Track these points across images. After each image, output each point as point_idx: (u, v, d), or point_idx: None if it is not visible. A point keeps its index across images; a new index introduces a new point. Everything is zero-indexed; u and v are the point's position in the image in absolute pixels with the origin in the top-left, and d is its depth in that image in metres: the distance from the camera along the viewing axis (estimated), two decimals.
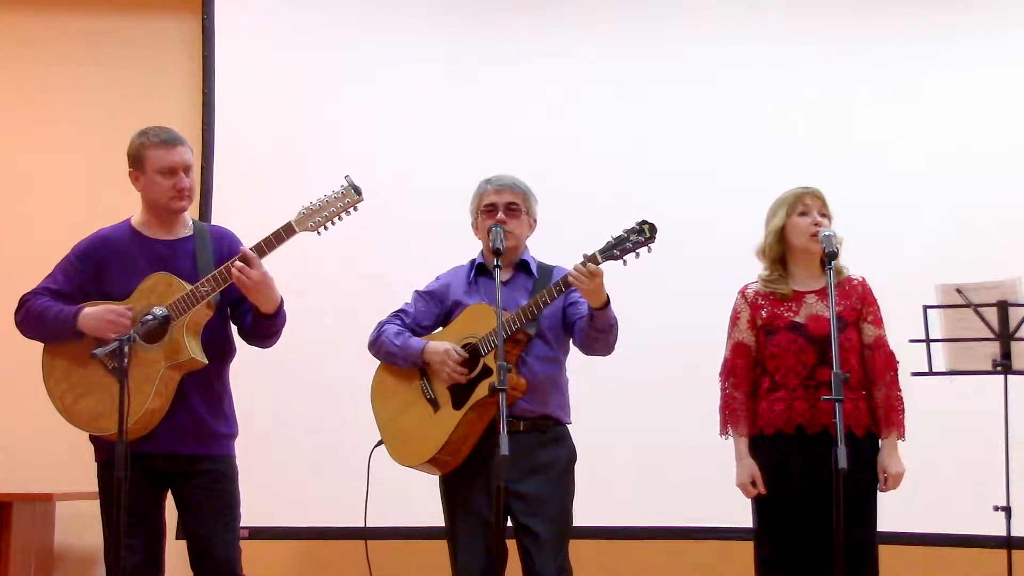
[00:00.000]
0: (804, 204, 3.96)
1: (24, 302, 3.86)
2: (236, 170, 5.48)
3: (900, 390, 3.92)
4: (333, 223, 3.77)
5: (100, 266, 3.85)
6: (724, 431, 3.96)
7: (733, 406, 3.95)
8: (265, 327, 3.83)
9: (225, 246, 3.86)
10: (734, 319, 4.03)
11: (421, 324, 4.05)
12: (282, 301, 3.81)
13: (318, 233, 3.77)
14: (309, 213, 3.74)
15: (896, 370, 3.94)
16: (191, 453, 3.77)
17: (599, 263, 3.69)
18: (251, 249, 3.73)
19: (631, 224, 3.70)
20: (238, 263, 3.68)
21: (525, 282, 4.00)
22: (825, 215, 3.95)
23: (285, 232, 3.74)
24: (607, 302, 3.75)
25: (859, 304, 3.96)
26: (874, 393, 3.92)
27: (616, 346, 3.91)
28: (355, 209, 3.77)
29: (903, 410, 3.90)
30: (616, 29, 5.52)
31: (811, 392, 3.82)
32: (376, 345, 4.04)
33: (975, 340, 4.15)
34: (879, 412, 3.90)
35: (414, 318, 4.06)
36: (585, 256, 3.69)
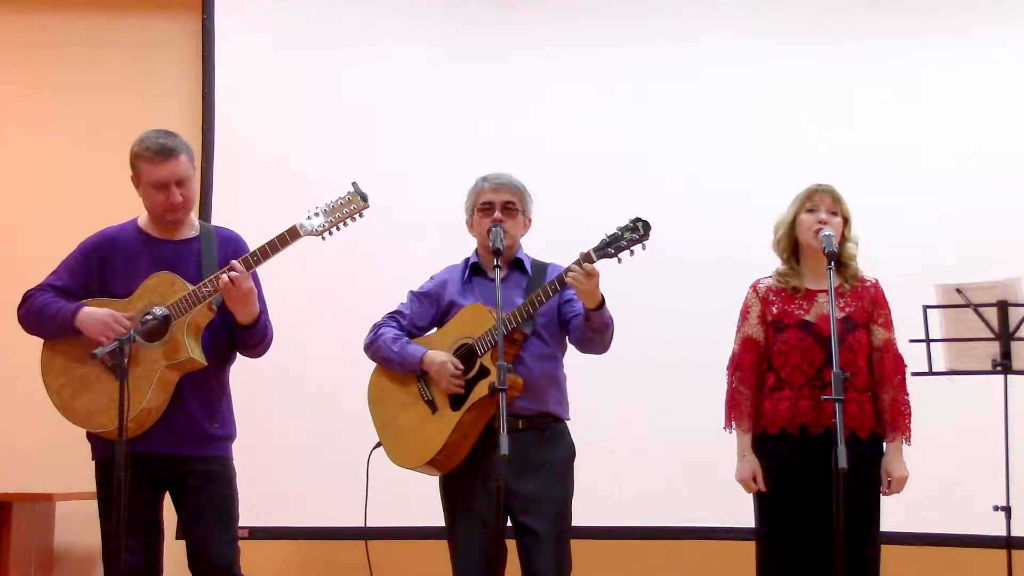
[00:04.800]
0: (812, 201, 3.96)
1: (27, 297, 3.86)
2: (236, 170, 5.48)
3: (908, 394, 3.91)
4: (338, 228, 3.77)
5: (104, 264, 3.85)
6: (728, 425, 3.96)
7: (738, 400, 3.95)
8: (243, 337, 3.83)
9: (231, 248, 3.86)
10: (744, 313, 4.03)
11: (417, 325, 4.05)
12: (260, 314, 3.80)
13: (322, 238, 3.77)
14: (315, 217, 3.74)
15: (904, 374, 3.93)
16: (186, 454, 3.77)
17: (594, 261, 3.69)
18: (256, 252, 3.73)
19: (625, 222, 3.70)
20: (232, 273, 3.67)
21: (520, 280, 4.00)
22: (836, 213, 3.94)
23: (290, 235, 3.74)
24: (602, 302, 3.76)
25: (871, 306, 3.96)
26: (881, 396, 3.91)
27: (612, 344, 3.92)
28: (361, 215, 3.78)
29: (910, 415, 3.89)
30: (615, 28, 5.52)
31: (816, 392, 3.81)
32: (372, 348, 4.03)
33: (975, 340, 4.16)
34: (885, 416, 3.89)
35: (410, 319, 4.05)
36: (581, 255, 3.69)
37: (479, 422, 3.82)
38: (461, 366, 3.84)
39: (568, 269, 3.70)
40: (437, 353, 3.89)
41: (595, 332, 3.84)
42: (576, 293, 3.78)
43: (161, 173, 3.77)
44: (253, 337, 3.83)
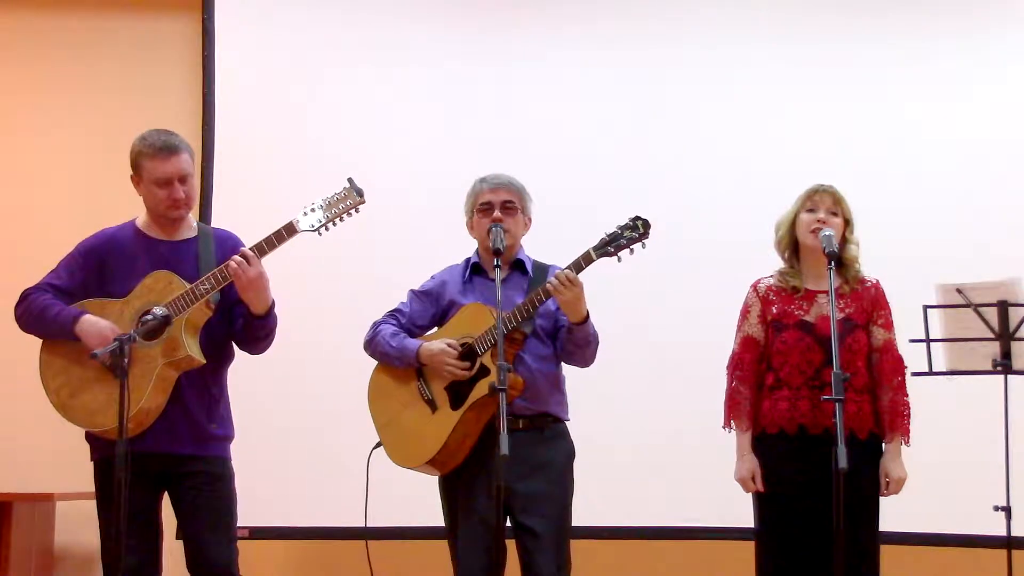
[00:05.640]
0: (812, 201, 3.96)
1: (26, 296, 3.86)
2: (236, 170, 5.48)
3: (907, 395, 3.91)
4: (335, 224, 3.78)
5: (103, 265, 3.85)
6: (727, 424, 3.96)
7: (737, 400, 3.95)
8: (255, 328, 3.83)
9: (228, 248, 3.85)
10: (744, 313, 4.03)
11: (417, 324, 4.05)
12: (273, 304, 3.81)
13: (319, 234, 3.78)
14: (311, 213, 3.75)
15: (904, 375, 3.93)
16: (185, 453, 3.77)
17: (594, 260, 3.71)
18: (252, 248, 3.74)
19: (625, 220, 3.71)
20: (237, 258, 3.69)
21: (520, 281, 4.00)
22: (836, 214, 3.94)
23: (286, 231, 3.75)
24: (586, 317, 3.77)
25: (871, 307, 3.96)
26: (880, 396, 3.90)
27: (595, 358, 3.93)
28: (357, 211, 3.78)
29: (909, 416, 3.88)
30: (618, 28, 5.53)
31: (815, 392, 3.81)
32: (372, 345, 4.03)
33: (975, 340, 4.16)
34: (884, 416, 3.88)
35: (410, 318, 4.05)
36: (581, 255, 3.71)
37: (479, 421, 3.82)
38: (459, 348, 3.84)
39: (554, 277, 3.71)
40: (433, 343, 3.89)
41: (576, 347, 3.86)
42: (560, 305, 3.78)
43: (165, 169, 3.78)
44: (264, 328, 3.83)
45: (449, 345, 3.86)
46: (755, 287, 4.05)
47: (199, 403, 3.80)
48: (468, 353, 3.85)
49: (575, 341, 3.85)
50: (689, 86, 5.47)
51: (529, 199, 4.05)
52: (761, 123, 5.40)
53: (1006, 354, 4.14)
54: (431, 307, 4.07)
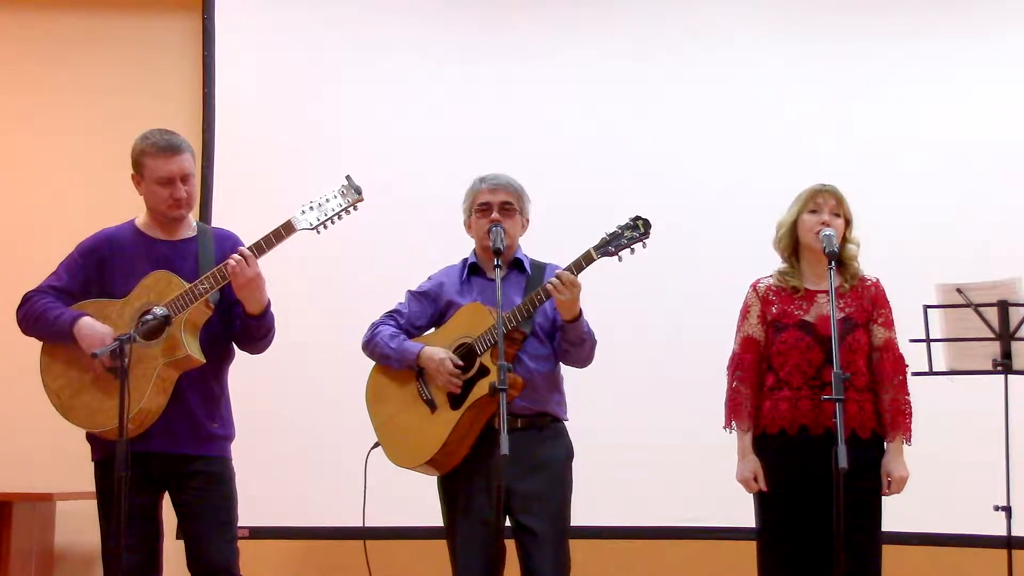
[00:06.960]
0: (815, 202, 3.95)
1: (27, 299, 3.86)
2: (236, 170, 5.49)
3: (908, 394, 3.89)
4: (333, 222, 3.78)
5: (103, 265, 3.85)
6: (728, 424, 3.95)
7: (738, 400, 3.94)
8: (252, 328, 3.83)
9: (228, 247, 3.85)
10: (744, 313, 4.03)
11: (415, 324, 4.05)
12: (269, 304, 3.81)
13: (317, 232, 3.78)
14: (309, 212, 3.75)
15: (905, 374, 3.91)
16: (186, 453, 3.77)
17: (595, 259, 3.71)
18: (251, 247, 3.74)
19: (625, 220, 3.72)
20: (236, 256, 3.69)
21: (519, 280, 4.00)
22: (839, 215, 3.93)
23: (284, 230, 3.75)
24: (579, 315, 3.77)
25: (871, 306, 3.95)
26: (881, 396, 3.89)
27: (594, 359, 3.93)
28: (355, 209, 3.78)
29: (911, 415, 3.87)
30: (618, 28, 5.53)
31: (816, 392, 3.81)
32: (370, 346, 4.03)
33: (975, 340, 4.16)
34: (886, 416, 3.87)
35: (408, 319, 4.05)
36: (582, 254, 3.72)
37: (478, 421, 3.82)
38: (460, 363, 3.84)
39: (555, 277, 3.71)
40: (435, 349, 3.89)
41: (571, 345, 3.86)
42: (556, 303, 3.78)
43: (168, 167, 3.78)
44: (261, 328, 3.84)
45: (450, 359, 3.84)
46: (755, 287, 4.05)
47: (200, 403, 3.80)
48: (467, 353, 3.85)
49: (569, 339, 3.85)
50: (689, 86, 5.47)
51: (528, 200, 4.05)
52: (761, 123, 5.40)
53: (1006, 354, 4.14)
54: (429, 308, 4.06)
